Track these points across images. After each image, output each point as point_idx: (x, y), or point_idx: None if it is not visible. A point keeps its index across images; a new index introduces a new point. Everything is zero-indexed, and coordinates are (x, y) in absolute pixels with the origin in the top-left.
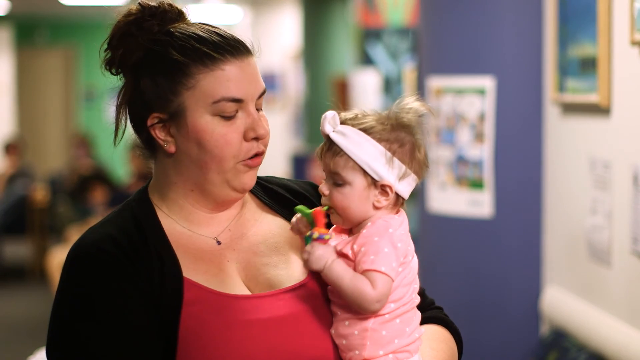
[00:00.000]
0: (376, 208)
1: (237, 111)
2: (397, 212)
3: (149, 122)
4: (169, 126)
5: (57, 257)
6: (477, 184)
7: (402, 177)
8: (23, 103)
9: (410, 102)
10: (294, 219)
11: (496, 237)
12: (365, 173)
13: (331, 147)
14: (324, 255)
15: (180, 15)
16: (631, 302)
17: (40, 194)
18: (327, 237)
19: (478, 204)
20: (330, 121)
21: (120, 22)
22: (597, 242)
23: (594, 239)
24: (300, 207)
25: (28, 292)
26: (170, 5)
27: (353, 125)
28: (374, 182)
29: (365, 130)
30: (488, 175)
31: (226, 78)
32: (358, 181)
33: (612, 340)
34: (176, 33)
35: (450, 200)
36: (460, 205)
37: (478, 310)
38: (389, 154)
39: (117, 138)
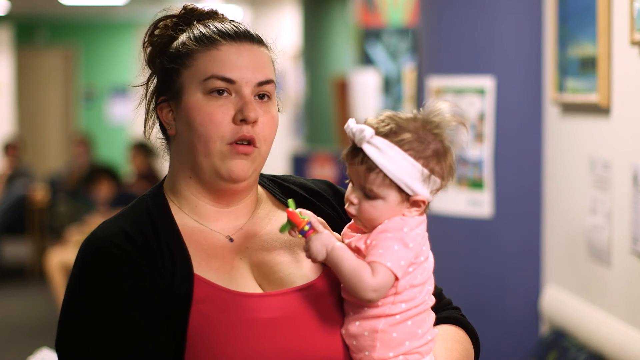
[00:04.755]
0: (404, 216)
1: (228, 91)
2: (421, 213)
3: (158, 106)
4: (172, 107)
5: (57, 257)
6: (476, 184)
7: (436, 191)
8: (23, 103)
9: (441, 111)
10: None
11: (496, 237)
12: (400, 189)
13: (364, 161)
14: (322, 244)
15: (215, 15)
16: (631, 302)
17: (40, 193)
18: (307, 228)
19: (478, 204)
20: (366, 137)
21: (164, 23)
22: (597, 242)
23: (594, 238)
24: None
25: (28, 292)
26: (213, 10)
27: (389, 140)
28: (407, 197)
29: (402, 147)
30: (488, 175)
31: (220, 57)
32: (392, 197)
33: (612, 340)
34: (196, 25)
35: (450, 200)
36: (460, 205)
37: (478, 310)
38: (426, 171)
39: (147, 129)
